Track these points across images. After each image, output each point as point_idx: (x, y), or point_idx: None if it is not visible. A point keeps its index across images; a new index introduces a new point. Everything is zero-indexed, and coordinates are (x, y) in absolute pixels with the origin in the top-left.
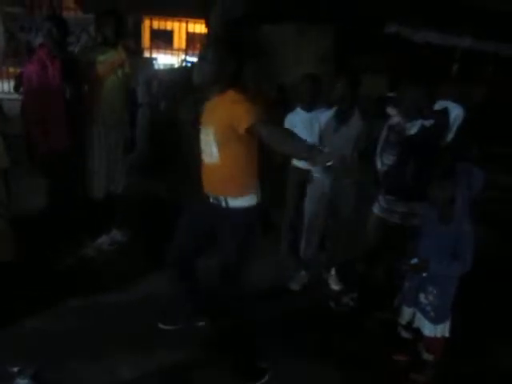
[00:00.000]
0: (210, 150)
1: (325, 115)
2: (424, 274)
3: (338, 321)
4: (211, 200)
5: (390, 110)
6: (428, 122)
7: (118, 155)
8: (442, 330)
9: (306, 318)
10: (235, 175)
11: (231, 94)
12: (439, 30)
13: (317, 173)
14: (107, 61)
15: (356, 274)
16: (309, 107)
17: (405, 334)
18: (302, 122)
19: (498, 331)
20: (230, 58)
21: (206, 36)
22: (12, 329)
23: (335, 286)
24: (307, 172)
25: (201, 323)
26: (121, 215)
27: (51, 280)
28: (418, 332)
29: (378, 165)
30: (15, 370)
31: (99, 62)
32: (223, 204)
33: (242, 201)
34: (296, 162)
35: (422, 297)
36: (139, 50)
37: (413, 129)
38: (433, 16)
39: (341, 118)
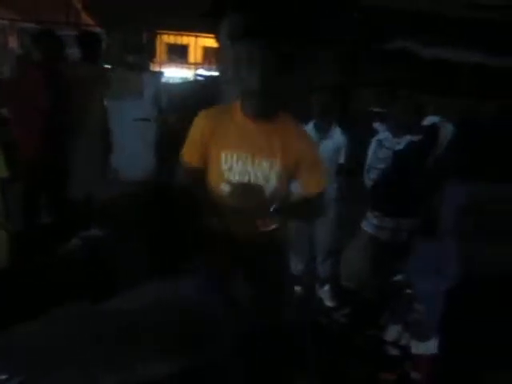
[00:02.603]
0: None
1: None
2: (408, 291)
3: (328, 337)
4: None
5: (378, 125)
6: (416, 138)
7: (95, 161)
8: (429, 348)
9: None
10: None
11: (288, 119)
12: (449, 44)
13: None
14: (87, 76)
15: (349, 290)
16: None
17: (392, 352)
18: None
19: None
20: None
21: (217, 51)
22: (3, 336)
23: (328, 302)
24: None
25: None
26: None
27: (42, 285)
28: (405, 350)
29: (366, 180)
30: (3, 377)
31: (81, 78)
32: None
33: None
34: None
35: (408, 314)
36: (147, 65)
37: (400, 144)
38: (443, 31)
39: (320, 132)
